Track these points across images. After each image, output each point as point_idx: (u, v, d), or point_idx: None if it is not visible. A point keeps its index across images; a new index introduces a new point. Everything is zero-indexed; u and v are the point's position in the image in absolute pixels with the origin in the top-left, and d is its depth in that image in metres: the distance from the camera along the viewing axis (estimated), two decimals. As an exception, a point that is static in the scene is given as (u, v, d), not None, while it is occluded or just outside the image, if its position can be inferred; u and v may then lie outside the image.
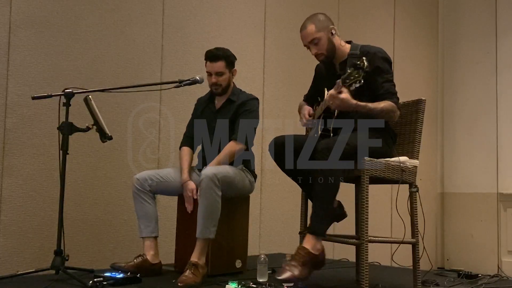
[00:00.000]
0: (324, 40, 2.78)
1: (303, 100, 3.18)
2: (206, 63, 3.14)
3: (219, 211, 2.84)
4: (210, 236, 2.83)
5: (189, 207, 2.99)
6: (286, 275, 2.40)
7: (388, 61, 2.79)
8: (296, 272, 2.41)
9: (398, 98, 2.77)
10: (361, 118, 2.69)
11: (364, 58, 2.48)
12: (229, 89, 3.18)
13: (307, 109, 3.00)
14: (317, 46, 2.78)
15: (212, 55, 3.10)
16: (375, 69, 2.71)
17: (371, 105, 2.64)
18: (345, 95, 2.56)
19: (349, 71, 2.49)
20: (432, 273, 3.38)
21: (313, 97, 3.09)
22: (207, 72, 3.14)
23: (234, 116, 3.12)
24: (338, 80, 2.56)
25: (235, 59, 3.18)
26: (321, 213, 2.53)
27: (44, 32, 3.32)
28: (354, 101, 2.59)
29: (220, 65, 3.10)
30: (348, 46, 2.86)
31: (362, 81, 2.48)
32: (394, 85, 2.78)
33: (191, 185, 2.98)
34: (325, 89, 2.87)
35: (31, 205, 3.22)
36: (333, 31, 2.81)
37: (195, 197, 2.95)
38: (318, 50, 2.79)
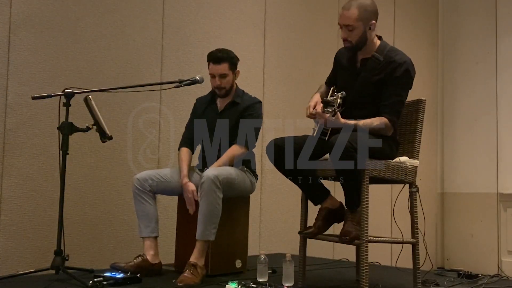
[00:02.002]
0: (359, 31, 2.68)
1: (325, 82, 3.03)
2: (208, 64, 3.12)
3: (220, 213, 2.85)
4: (210, 238, 2.83)
5: (191, 209, 2.98)
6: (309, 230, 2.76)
7: (409, 76, 2.71)
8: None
9: (398, 117, 2.73)
10: (361, 118, 2.67)
11: (341, 94, 2.58)
12: (232, 90, 3.18)
13: (315, 100, 2.82)
14: (349, 33, 2.69)
15: (216, 57, 3.08)
16: (393, 79, 2.68)
17: (361, 123, 2.61)
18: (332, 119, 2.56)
19: (327, 101, 2.61)
20: (432, 273, 3.38)
21: (333, 81, 2.99)
22: (210, 74, 3.12)
23: (239, 119, 3.12)
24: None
25: (238, 60, 3.18)
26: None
27: (44, 32, 3.32)
28: (343, 120, 2.58)
29: (223, 67, 3.08)
30: (377, 43, 2.77)
31: (334, 116, 2.55)
32: (402, 102, 2.73)
33: (191, 186, 2.98)
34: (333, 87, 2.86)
35: (31, 205, 3.22)
36: (372, 27, 2.71)
37: (196, 198, 2.94)
38: (348, 37, 2.70)
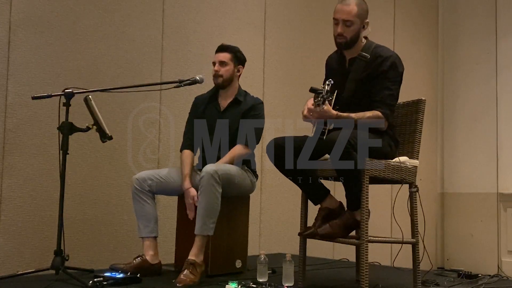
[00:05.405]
0: (355, 28, 2.71)
1: None
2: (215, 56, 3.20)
3: (219, 208, 2.84)
4: (209, 233, 2.82)
5: (190, 214, 2.97)
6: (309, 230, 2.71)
7: (396, 69, 2.72)
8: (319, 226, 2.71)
9: (391, 110, 2.71)
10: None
11: (328, 82, 2.56)
12: (231, 85, 3.19)
13: (310, 102, 2.81)
14: (346, 28, 2.70)
15: (220, 46, 3.19)
16: (380, 73, 2.69)
17: (354, 115, 2.62)
18: (323, 107, 2.55)
19: (315, 88, 2.56)
20: (432, 273, 3.38)
21: None
22: (212, 63, 3.18)
23: (240, 118, 3.13)
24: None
25: (244, 57, 3.23)
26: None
27: (44, 32, 3.32)
28: (335, 112, 2.57)
29: (225, 55, 3.15)
30: (364, 43, 2.80)
31: (323, 105, 2.51)
32: (393, 96, 2.72)
33: (193, 192, 2.97)
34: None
35: (31, 205, 3.22)
36: (366, 25, 2.76)
37: (196, 204, 2.94)
38: (343, 32, 2.71)
